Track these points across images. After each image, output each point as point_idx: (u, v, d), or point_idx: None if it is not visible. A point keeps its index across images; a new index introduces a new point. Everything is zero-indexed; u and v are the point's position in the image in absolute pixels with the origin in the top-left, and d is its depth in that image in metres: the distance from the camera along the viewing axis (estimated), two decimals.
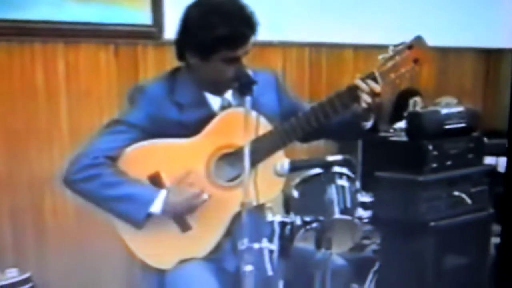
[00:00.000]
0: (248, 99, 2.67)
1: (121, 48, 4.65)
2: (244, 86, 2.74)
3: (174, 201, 2.90)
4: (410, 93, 5.82)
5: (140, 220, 2.90)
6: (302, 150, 3.31)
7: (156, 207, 2.90)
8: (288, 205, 3.28)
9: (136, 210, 2.89)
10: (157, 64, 4.70)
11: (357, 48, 5.88)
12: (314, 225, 2.88)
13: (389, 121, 5.63)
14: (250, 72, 2.83)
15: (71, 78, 4.46)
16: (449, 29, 6.17)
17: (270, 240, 2.76)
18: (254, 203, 2.70)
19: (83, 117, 4.47)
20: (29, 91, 4.33)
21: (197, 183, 2.93)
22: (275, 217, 2.83)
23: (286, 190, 3.12)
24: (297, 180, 3.27)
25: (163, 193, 2.91)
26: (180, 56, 3.02)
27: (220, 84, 2.98)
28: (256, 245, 2.63)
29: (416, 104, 5.92)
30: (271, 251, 2.75)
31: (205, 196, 2.91)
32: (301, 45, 5.61)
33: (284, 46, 5.49)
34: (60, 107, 4.44)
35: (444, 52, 6.28)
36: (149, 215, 2.91)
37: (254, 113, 2.74)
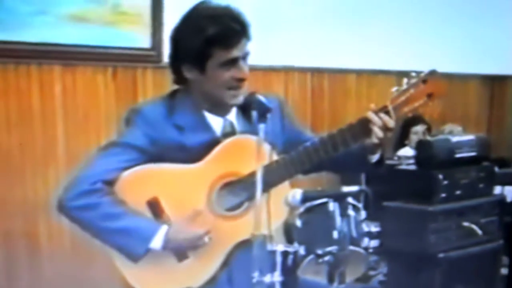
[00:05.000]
0: (262, 127, 2.55)
1: (119, 71, 4.59)
2: (259, 114, 2.61)
3: (175, 239, 2.77)
4: (414, 120, 5.74)
5: (139, 255, 2.77)
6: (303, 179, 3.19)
7: (156, 243, 2.76)
8: (290, 234, 3.17)
9: (135, 245, 2.76)
10: (155, 88, 4.64)
11: (360, 73, 5.82)
12: (327, 258, 2.74)
13: (392, 149, 5.55)
14: (263, 98, 2.69)
15: (68, 101, 4.39)
16: (454, 55, 6.17)
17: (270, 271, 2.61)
18: (266, 232, 2.57)
19: (80, 141, 4.39)
20: (24, 114, 4.25)
21: (200, 217, 2.81)
22: (277, 246, 2.70)
23: (288, 219, 3.00)
24: (301, 209, 3.15)
25: (164, 229, 2.77)
26: (177, 76, 2.90)
27: (222, 97, 2.85)
28: (267, 278, 2.50)
29: (418, 132, 5.86)
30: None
31: (206, 239, 2.79)
32: (303, 70, 5.57)
33: (287, 70, 5.45)
34: (57, 130, 4.37)
35: (448, 78, 6.21)
36: (148, 250, 2.78)
37: (267, 144, 2.64)
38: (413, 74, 2.86)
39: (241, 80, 2.80)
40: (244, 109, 2.85)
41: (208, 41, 2.73)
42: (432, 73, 2.84)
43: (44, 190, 4.25)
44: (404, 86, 2.83)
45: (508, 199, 4.65)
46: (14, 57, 4.20)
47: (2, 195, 4.17)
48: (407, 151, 5.54)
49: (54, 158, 4.34)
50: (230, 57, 2.77)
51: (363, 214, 3.20)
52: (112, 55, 4.54)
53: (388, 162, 4.51)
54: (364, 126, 2.81)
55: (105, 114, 4.49)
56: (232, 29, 2.75)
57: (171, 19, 2.96)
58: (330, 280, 2.72)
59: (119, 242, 2.77)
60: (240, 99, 2.82)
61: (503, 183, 4.72)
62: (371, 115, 2.79)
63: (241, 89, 2.82)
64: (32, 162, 4.28)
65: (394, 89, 2.84)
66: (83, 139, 4.39)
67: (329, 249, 2.78)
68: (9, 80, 4.17)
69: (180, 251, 2.84)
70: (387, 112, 2.79)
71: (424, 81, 2.82)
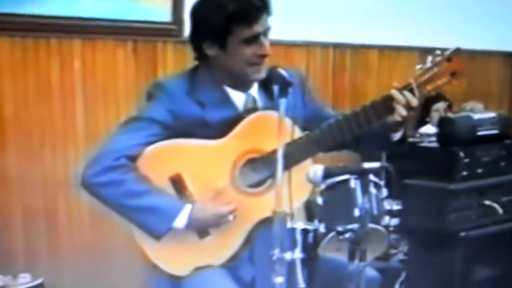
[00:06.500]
0: (283, 101, 2.55)
1: (139, 46, 4.54)
2: (280, 88, 2.61)
3: (198, 218, 2.78)
4: (435, 97, 5.71)
5: (161, 233, 2.78)
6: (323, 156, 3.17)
7: (179, 222, 2.77)
8: (311, 212, 3.15)
9: (158, 223, 2.76)
10: (176, 62, 4.61)
11: (382, 49, 5.78)
12: (348, 235, 2.71)
13: (414, 126, 5.51)
14: (285, 72, 2.67)
15: (87, 75, 4.36)
16: (476, 32, 6.11)
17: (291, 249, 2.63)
18: (288, 210, 2.56)
19: (99, 117, 4.38)
20: (44, 88, 4.21)
21: (224, 194, 2.81)
22: (297, 224, 2.68)
23: (309, 196, 2.98)
24: (322, 186, 3.13)
25: (188, 208, 2.77)
26: (198, 53, 2.90)
27: (244, 73, 2.84)
28: (288, 256, 2.51)
29: (439, 109, 5.82)
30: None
31: (230, 218, 2.79)
32: (325, 45, 5.53)
33: (308, 46, 5.41)
34: (76, 105, 4.33)
35: (470, 55, 6.17)
36: (170, 229, 2.77)
37: (288, 119, 2.65)
38: (438, 52, 2.84)
39: (263, 56, 2.79)
40: (266, 84, 2.86)
41: (229, 18, 2.72)
42: (457, 51, 2.82)
43: (63, 166, 4.23)
44: (428, 64, 2.82)
45: None
46: (33, 31, 4.15)
47: (21, 173, 4.15)
48: (429, 129, 5.50)
49: (73, 133, 4.32)
50: (252, 34, 2.75)
51: (384, 192, 3.18)
52: (132, 29, 4.49)
53: (410, 139, 4.51)
54: (387, 104, 2.80)
55: (125, 89, 4.46)
56: (253, 5, 2.74)
57: None
58: (351, 257, 2.68)
59: (142, 219, 2.77)
60: (262, 74, 2.81)
61: None
62: (395, 93, 2.78)
63: (263, 64, 2.80)
64: (51, 138, 4.25)
65: (418, 66, 2.83)
66: (103, 114, 4.37)
67: (350, 226, 2.76)
68: (28, 54, 4.13)
69: (202, 229, 2.84)
70: (411, 90, 2.77)
71: (449, 59, 2.81)
